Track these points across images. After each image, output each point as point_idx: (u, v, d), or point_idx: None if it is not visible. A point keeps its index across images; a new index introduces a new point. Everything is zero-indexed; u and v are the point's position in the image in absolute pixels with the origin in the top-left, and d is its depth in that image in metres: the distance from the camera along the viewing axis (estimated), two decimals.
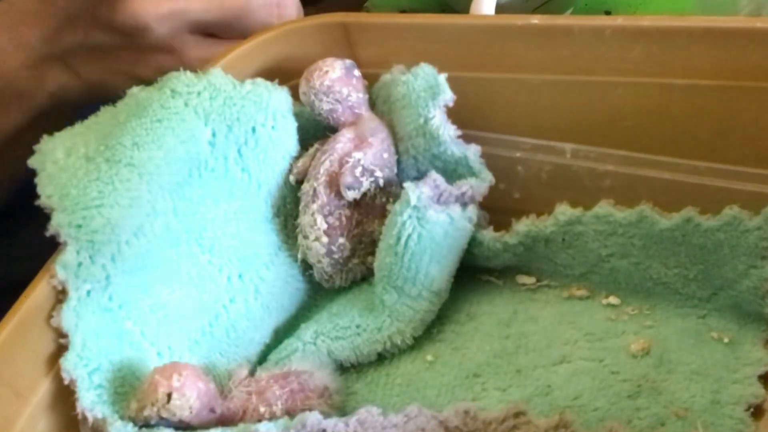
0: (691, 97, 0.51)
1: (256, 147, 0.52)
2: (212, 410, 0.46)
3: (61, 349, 0.46)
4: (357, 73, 0.54)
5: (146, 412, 0.45)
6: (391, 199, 0.53)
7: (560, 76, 0.53)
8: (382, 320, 0.51)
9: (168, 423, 0.45)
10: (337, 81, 0.53)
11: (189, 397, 0.45)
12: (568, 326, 0.51)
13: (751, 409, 0.45)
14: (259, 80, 0.52)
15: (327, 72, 0.53)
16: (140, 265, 0.48)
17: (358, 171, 0.52)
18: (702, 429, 0.44)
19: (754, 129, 0.50)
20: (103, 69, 0.58)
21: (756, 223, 0.47)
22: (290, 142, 0.53)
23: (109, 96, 0.51)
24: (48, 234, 0.46)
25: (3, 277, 0.55)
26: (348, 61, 0.54)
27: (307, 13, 0.61)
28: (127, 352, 0.47)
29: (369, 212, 0.53)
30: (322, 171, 0.52)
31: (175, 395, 0.44)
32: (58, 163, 0.47)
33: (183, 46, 0.57)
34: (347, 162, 0.52)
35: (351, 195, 0.52)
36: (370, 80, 0.55)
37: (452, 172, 0.53)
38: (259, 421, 0.46)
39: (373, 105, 0.55)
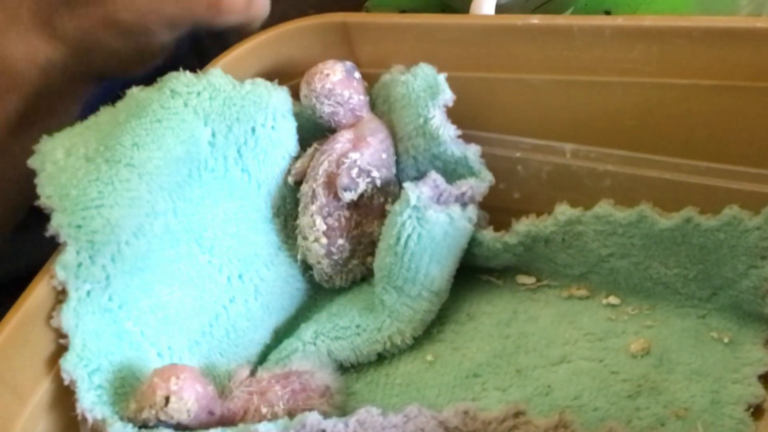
0: (691, 97, 0.51)
1: (255, 147, 0.52)
2: (211, 413, 0.46)
3: (61, 350, 0.46)
4: (357, 75, 0.54)
5: (144, 414, 0.45)
6: (390, 200, 0.53)
7: (560, 76, 0.53)
8: (382, 320, 0.51)
9: (167, 425, 0.45)
10: (338, 84, 0.53)
11: (187, 401, 0.45)
12: (568, 326, 0.51)
13: (751, 409, 0.45)
14: (259, 80, 0.52)
15: (328, 75, 0.53)
16: (140, 265, 0.48)
17: (354, 172, 0.52)
18: (702, 429, 0.44)
19: (754, 129, 0.50)
20: (84, 22, 0.57)
21: (756, 223, 0.47)
22: (290, 142, 0.53)
23: (93, 59, 0.51)
24: (48, 234, 0.46)
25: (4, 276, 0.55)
26: (348, 64, 0.54)
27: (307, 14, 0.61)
28: (127, 352, 0.47)
29: (368, 213, 0.53)
30: (320, 172, 0.52)
31: (172, 398, 0.44)
32: (58, 163, 0.47)
33: None
34: (344, 162, 0.52)
35: (348, 196, 0.52)
36: (370, 80, 0.55)
37: (452, 172, 0.53)
38: (261, 421, 0.46)
39: (372, 105, 0.55)
